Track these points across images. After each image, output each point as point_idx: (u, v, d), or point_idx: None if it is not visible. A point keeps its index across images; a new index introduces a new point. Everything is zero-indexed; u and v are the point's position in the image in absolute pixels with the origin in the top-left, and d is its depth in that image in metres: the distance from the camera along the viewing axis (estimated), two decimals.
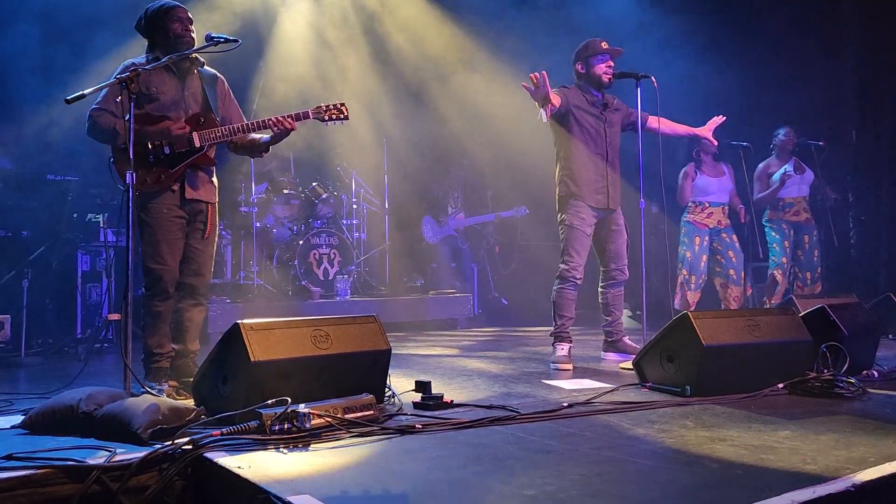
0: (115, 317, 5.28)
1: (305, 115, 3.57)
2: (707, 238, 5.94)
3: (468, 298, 7.46)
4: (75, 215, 5.70)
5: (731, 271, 5.92)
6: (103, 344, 5.39)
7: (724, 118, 4.82)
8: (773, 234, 6.30)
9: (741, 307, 5.98)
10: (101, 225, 5.78)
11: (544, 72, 3.96)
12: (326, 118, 3.61)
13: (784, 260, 6.22)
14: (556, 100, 4.21)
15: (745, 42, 7.37)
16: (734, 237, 6.03)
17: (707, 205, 5.98)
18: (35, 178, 5.59)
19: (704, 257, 5.93)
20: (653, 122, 4.56)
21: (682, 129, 4.77)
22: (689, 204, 6.02)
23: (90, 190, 5.74)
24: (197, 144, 3.43)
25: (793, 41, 7.35)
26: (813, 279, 6.28)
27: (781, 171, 6.11)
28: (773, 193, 6.19)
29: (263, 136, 3.69)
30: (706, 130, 4.82)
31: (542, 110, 4.06)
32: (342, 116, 3.64)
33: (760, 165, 6.35)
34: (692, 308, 5.95)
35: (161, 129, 3.38)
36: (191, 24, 3.50)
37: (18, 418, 2.72)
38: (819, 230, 6.41)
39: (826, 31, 7.23)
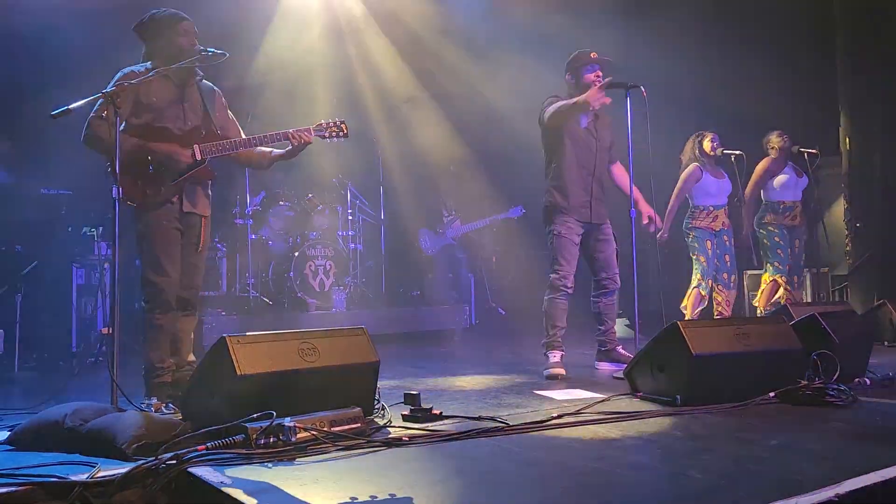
0: (108, 331, 5.32)
1: (307, 132, 3.58)
2: (715, 241, 5.93)
3: (464, 309, 7.44)
4: (69, 229, 5.70)
5: (725, 275, 5.94)
6: (98, 358, 5.38)
7: (652, 225, 4.80)
8: (776, 238, 6.25)
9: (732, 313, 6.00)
10: (96, 238, 5.77)
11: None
12: (326, 135, 3.62)
13: (787, 267, 6.20)
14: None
15: (736, 49, 7.38)
16: (732, 241, 6.05)
17: (712, 209, 5.95)
18: (29, 193, 5.60)
19: (716, 261, 5.93)
20: (614, 168, 4.70)
21: (628, 188, 4.60)
22: (695, 210, 5.97)
23: (84, 203, 5.75)
24: (198, 157, 3.43)
25: (785, 48, 7.37)
26: (800, 282, 6.29)
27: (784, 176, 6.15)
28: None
29: (275, 150, 3.70)
30: (645, 211, 4.70)
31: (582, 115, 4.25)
32: (342, 134, 3.64)
33: (760, 165, 6.31)
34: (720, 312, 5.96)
35: (168, 152, 3.39)
36: (196, 39, 3.51)
37: (5, 434, 2.72)
38: (806, 234, 6.42)
39: (817, 37, 7.24)
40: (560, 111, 4.32)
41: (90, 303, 5.79)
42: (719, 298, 5.94)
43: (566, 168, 4.41)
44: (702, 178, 5.92)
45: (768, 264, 6.28)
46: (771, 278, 6.25)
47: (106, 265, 5.78)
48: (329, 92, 7.55)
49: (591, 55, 4.47)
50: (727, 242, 5.99)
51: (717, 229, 5.94)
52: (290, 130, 3.53)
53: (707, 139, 5.94)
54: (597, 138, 4.49)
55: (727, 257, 5.96)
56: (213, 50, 3.42)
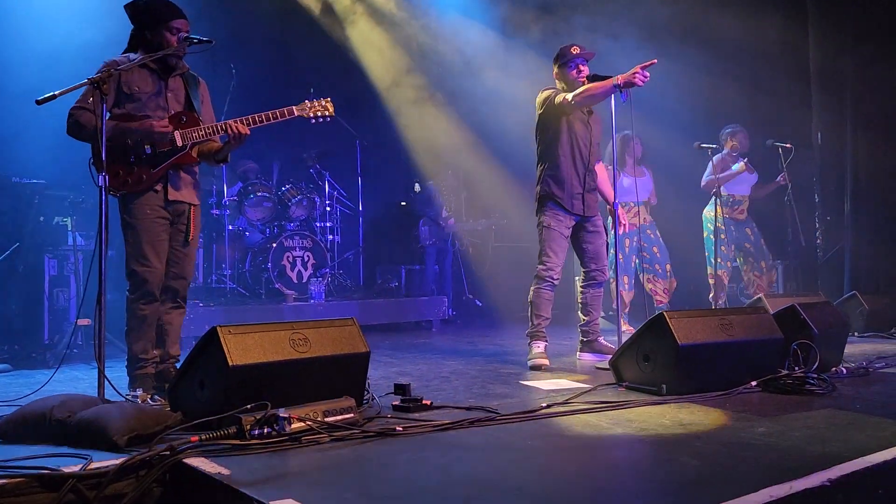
0: (84, 322, 5.22)
1: (290, 113, 3.50)
2: (636, 238, 6.12)
3: (442, 300, 7.46)
4: (42, 219, 5.55)
5: (657, 266, 6.22)
6: (72, 350, 5.27)
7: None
8: (722, 235, 6.35)
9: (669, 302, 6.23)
10: (69, 228, 5.65)
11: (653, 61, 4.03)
12: (311, 115, 3.56)
13: (729, 264, 6.33)
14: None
15: (709, 44, 7.46)
16: (658, 233, 6.28)
17: (632, 205, 6.18)
18: None
19: (634, 258, 6.19)
20: (597, 167, 4.64)
21: (606, 191, 4.77)
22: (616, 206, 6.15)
23: (57, 193, 5.62)
24: (179, 143, 3.37)
25: (757, 42, 7.48)
26: (768, 267, 6.42)
27: (737, 165, 6.27)
28: (725, 179, 6.26)
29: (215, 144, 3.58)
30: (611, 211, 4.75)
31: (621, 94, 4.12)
32: (327, 114, 3.59)
33: (716, 157, 6.42)
34: (628, 309, 6.14)
35: (144, 127, 3.30)
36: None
37: None
38: (755, 224, 6.53)
39: (788, 33, 7.36)
40: (593, 93, 4.17)
41: (63, 293, 5.67)
42: (655, 288, 6.16)
43: (563, 158, 4.42)
44: (619, 177, 6.12)
45: (710, 257, 6.34)
46: (716, 273, 6.33)
47: (80, 255, 5.67)
48: (310, 79, 7.48)
49: (573, 50, 4.48)
50: (651, 235, 6.23)
51: (638, 224, 6.11)
52: (225, 122, 3.41)
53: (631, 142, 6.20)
54: (591, 132, 4.52)
55: (656, 249, 6.20)
56: (197, 37, 3.37)
